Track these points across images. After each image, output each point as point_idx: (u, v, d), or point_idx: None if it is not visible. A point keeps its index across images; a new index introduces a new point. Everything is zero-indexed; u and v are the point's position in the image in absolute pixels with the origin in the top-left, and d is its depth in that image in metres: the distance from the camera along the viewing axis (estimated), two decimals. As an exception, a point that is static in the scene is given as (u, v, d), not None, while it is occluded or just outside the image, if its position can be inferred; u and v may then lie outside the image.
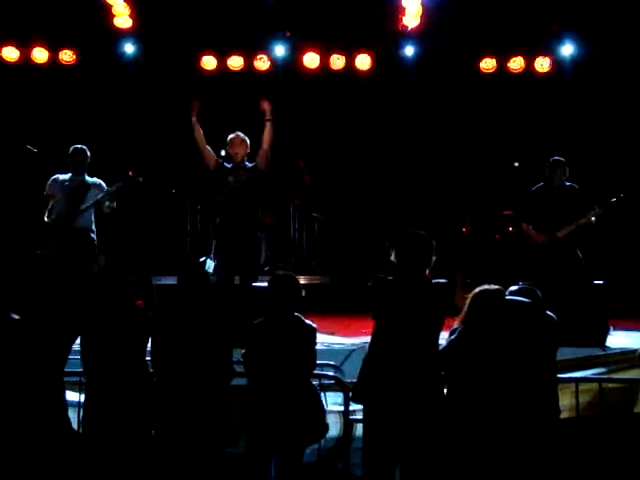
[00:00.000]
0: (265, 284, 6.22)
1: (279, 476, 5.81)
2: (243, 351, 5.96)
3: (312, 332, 5.93)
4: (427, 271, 5.68)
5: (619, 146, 12.72)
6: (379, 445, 5.63)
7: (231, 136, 9.00)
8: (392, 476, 5.68)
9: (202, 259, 9.44)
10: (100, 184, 9.34)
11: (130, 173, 9.49)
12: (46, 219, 9.26)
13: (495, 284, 5.83)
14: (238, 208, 8.89)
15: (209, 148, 8.99)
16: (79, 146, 9.39)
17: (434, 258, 5.68)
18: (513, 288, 5.94)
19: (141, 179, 9.27)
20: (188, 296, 6.03)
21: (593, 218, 9.18)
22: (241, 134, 9.00)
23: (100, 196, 9.12)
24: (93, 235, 9.31)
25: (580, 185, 9.42)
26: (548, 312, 5.84)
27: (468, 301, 5.72)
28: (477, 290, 5.73)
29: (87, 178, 9.35)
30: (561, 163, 9.40)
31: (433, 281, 5.66)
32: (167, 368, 5.94)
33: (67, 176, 9.35)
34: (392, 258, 5.73)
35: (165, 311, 6.18)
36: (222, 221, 9.15)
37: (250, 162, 8.98)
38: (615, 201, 9.21)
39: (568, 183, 9.42)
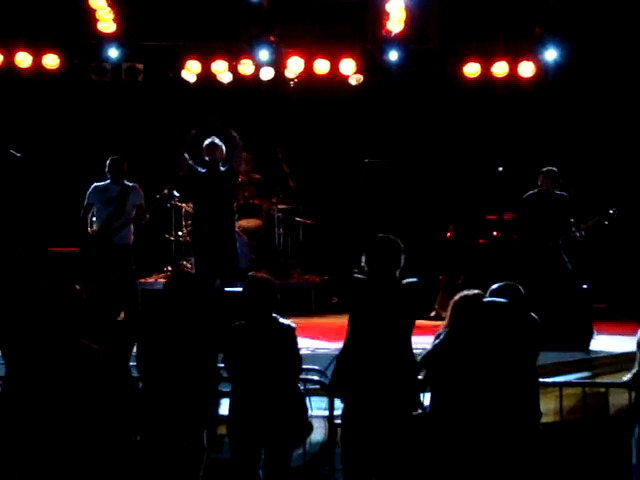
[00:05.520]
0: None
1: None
2: (222, 355, 5.98)
3: (290, 332, 5.93)
4: (397, 272, 5.80)
5: (604, 150, 12.77)
6: (356, 441, 5.70)
7: (206, 142, 9.22)
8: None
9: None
10: (138, 188, 9.62)
11: (166, 190, 9.79)
12: (89, 229, 9.51)
13: (479, 289, 5.88)
14: (213, 212, 9.08)
15: (185, 154, 9.26)
16: (116, 157, 9.66)
17: (403, 259, 5.81)
18: (494, 286, 5.97)
19: (177, 195, 9.49)
20: (176, 301, 6.02)
21: (578, 234, 9.36)
22: (216, 140, 9.22)
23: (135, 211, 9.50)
24: (130, 250, 9.60)
25: (567, 191, 9.54)
26: (531, 314, 5.87)
27: (450, 307, 5.82)
28: (457, 297, 5.83)
29: (126, 183, 9.61)
30: (554, 174, 9.57)
31: (404, 281, 5.78)
32: (154, 373, 5.93)
33: (106, 183, 9.59)
34: (363, 262, 5.86)
35: (152, 316, 6.18)
36: (198, 225, 9.33)
37: (223, 166, 9.18)
38: (605, 216, 9.37)
39: (559, 192, 9.57)
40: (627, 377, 6.21)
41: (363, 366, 5.64)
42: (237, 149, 9.36)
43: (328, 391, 6.03)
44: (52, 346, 5.23)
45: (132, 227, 9.59)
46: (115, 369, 5.85)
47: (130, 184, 9.59)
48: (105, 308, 6.00)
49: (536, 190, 9.65)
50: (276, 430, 5.76)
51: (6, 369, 5.46)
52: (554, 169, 9.63)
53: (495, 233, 11.54)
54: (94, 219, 9.51)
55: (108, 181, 9.59)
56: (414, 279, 5.80)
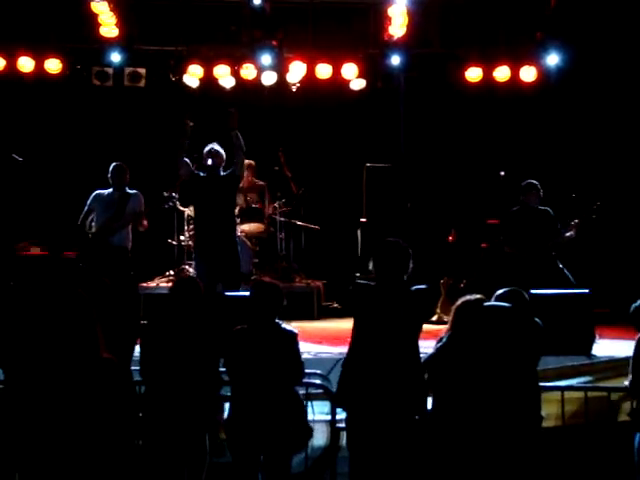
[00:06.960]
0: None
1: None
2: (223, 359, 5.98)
3: (292, 338, 5.91)
4: (405, 277, 5.79)
5: (606, 154, 12.78)
6: (364, 448, 5.69)
7: (207, 147, 9.31)
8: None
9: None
10: (139, 195, 9.66)
11: (165, 193, 9.83)
12: (88, 231, 9.59)
13: (481, 293, 5.88)
14: (214, 216, 9.15)
15: (186, 159, 9.35)
16: (118, 163, 9.72)
17: (411, 265, 5.80)
18: (500, 292, 5.98)
19: (175, 196, 9.55)
20: (181, 306, 6.03)
21: (568, 234, 9.43)
22: (216, 145, 9.30)
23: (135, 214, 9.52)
24: (128, 253, 9.61)
25: (563, 195, 9.57)
26: (534, 318, 5.86)
27: (452, 312, 5.81)
28: (459, 301, 5.82)
29: (127, 190, 9.67)
30: (534, 186, 9.65)
31: (413, 287, 5.76)
32: (157, 377, 5.93)
33: (108, 191, 9.67)
34: (370, 267, 5.85)
35: (155, 320, 6.18)
36: (199, 229, 9.42)
37: (224, 171, 9.31)
38: (595, 209, 9.42)
39: (542, 207, 9.65)
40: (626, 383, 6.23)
41: (369, 374, 5.62)
42: (239, 151, 9.36)
43: (335, 401, 6.01)
44: (70, 362, 5.02)
45: (130, 232, 9.62)
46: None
47: (131, 191, 9.63)
48: (101, 309, 6.00)
49: (519, 207, 9.75)
50: (274, 435, 5.75)
51: (8, 380, 5.41)
52: (534, 182, 9.73)
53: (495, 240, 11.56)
54: (93, 223, 9.57)
55: (110, 189, 9.64)
56: (423, 286, 5.79)
